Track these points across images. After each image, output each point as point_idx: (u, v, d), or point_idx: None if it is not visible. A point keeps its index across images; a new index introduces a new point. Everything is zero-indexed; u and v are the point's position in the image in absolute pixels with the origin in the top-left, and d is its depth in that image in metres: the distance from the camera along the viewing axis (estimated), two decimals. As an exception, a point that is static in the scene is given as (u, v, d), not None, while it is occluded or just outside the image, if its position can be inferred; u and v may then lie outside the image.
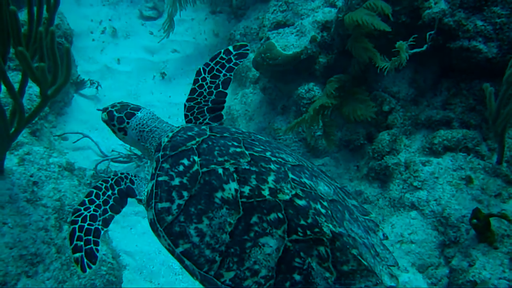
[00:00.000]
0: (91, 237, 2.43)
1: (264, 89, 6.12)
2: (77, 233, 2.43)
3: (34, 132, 5.72)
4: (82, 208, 2.52)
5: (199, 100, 3.03)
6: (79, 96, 7.33)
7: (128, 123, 2.87)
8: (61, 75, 3.34)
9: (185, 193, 2.36)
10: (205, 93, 3.03)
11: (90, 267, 2.37)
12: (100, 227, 2.49)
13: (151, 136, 2.81)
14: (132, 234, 5.77)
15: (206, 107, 3.02)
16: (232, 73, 3.12)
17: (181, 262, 2.33)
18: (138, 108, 2.94)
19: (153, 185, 2.45)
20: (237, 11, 7.91)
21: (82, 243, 2.40)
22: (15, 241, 4.01)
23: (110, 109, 2.95)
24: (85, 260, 2.38)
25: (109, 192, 2.60)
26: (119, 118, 2.89)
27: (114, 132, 2.96)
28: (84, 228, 2.44)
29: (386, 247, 2.52)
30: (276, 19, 6.04)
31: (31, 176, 4.62)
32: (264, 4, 7.37)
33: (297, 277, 2.19)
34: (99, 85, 7.44)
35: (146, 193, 2.50)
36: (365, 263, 2.24)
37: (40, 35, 3.32)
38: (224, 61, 3.14)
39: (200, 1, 8.85)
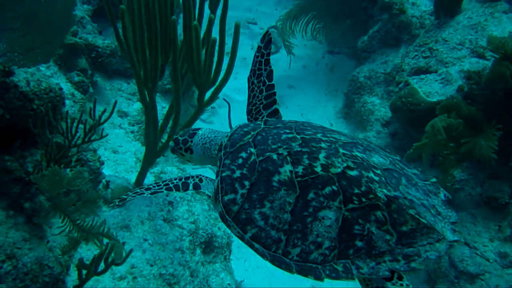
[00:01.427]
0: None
1: (395, 134, 5.94)
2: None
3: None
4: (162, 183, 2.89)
5: (254, 101, 3.16)
6: (199, 120, 7.40)
7: (191, 141, 3.07)
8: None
9: (246, 183, 2.49)
10: (257, 94, 3.16)
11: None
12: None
13: (213, 144, 2.99)
14: (246, 266, 5.63)
15: (261, 105, 3.14)
16: (269, 65, 3.20)
17: (251, 246, 2.43)
18: (198, 129, 3.13)
19: (218, 181, 2.60)
20: (361, 53, 7.81)
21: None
22: (155, 259, 3.98)
23: (175, 137, 3.20)
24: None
25: (175, 181, 2.87)
26: (183, 141, 3.11)
27: (182, 156, 3.17)
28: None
29: (448, 207, 2.52)
30: (417, 64, 5.88)
31: (167, 196, 4.62)
32: (393, 50, 7.28)
33: (359, 243, 2.28)
34: (216, 111, 7.54)
35: (213, 190, 2.65)
36: (423, 221, 2.29)
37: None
38: (259, 59, 3.21)
39: (318, 41, 8.90)
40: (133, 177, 4.77)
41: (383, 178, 2.38)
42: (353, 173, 2.37)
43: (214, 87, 3.90)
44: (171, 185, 2.85)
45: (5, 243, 3.28)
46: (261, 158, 2.51)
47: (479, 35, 5.73)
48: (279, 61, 8.70)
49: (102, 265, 2.98)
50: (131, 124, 5.63)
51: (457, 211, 4.98)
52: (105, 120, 3.48)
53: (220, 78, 3.84)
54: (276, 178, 2.43)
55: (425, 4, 7.26)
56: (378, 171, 2.41)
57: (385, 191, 2.32)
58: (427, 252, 2.29)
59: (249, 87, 3.22)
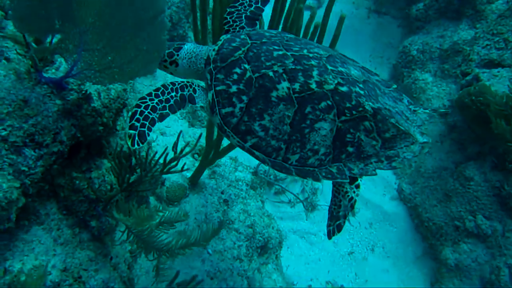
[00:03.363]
0: (147, 122, 2.65)
1: (454, 127, 5.61)
2: (137, 116, 2.65)
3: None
4: (148, 98, 2.74)
5: (239, 8, 3.25)
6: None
7: (178, 55, 3.05)
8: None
9: (244, 97, 2.67)
10: (245, 4, 3.27)
11: (138, 144, 2.61)
12: (156, 118, 2.70)
13: (199, 58, 3.00)
14: (288, 253, 5.51)
15: (244, 14, 3.24)
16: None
17: (252, 154, 2.72)
18: (183, 43, 3.11)
19: (213, 94, 2.74)
20: (415, 22, 7.27)
21: (138, 124, 2.63)
22: (215, 271, 3.82)
23: None
24: (136, 138, 2.61)
25: (173, 93, 2.80)
26: (169, 54, 3.06)
27: (166, 68, 3.11)
28: (144, 114, 2.67)
29: (412, 110, 2.88)
30: (489, 56, 5.44)
31: (222, 193, 4.41)
32: (452, 23, 6.76)
33: (350, 149, 2.67)
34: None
35: (208, 102, 2.78)
36: (402, 128, 2.65)
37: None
38: None
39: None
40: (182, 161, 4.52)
41: (366, 92, 2.68)
42: (344, 88, 2.63)
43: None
44: (172, 102, 2.79)
45: (72, 265, 3.14)
46: (257, 74, 2.67)
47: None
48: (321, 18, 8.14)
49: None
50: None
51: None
52: (187, 153, 3.29)
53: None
54: (274, 94, 2.63)
55: (492, -25, 6.66)
56: (361, 85, 2.69)
57: (370, 103, 2.63)
58: (404, 153, 2.69)
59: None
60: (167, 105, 2.76)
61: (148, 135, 2.69)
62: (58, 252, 3.06)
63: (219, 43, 2.89)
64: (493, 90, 4.85)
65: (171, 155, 3.33)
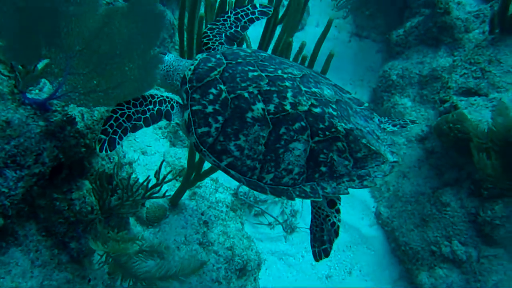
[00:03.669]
0: (119, 130, 2.64)
1: (432, 153, 5.72)
2: (111, 121, 2.64)
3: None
4: (125, 105, 2.72)
5: (220, 26, 3.33)
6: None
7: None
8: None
9: (220, 118, 2.72)
10: (227, 25, 3.35)
11: (106, 151, 2.60)
12: (129, 128, 2.69)
13: (176, 74, 3.03)
14: (266, 275, 5.51)
15: (224, 33, 3.31)
16: (252, 24, 3.44)
17: (227, 173, 2.77)
18: (164, 53, 3.11)
19: (189, 114, 2.78)
20: (395, 47, 7.40)
21: (111, 130, 2.62)
22: (193, 294, 3.80)
23: None
24: (106, 144, 2.59)
25: (151, 106, 2.80)
26: None
27: None
28: (118, 121, 2.66)
29: (383, 130, 2.99)
30: (466, 84, 5.55)
31: (202, 214, 4.41)
32: (431, 50, 6.89)
33: (323, 168, 2.74)
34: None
35: (184, 121, 2.81)
36: (373, 148, 2.76)
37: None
38: (249, 12, 3.43)
39: (342, 20, 8.50)
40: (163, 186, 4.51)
41: (339, 112, 2.75)
42: (317, 110, 2.70)
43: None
44: (148, 115, 2.78)
45: (49, 287, 3.09)
46: (232, 95, 2.72)
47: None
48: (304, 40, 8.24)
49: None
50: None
51: (495, 247, 4.91)
52: (169, 180, 3.33)
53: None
54: (249, 114, 2.69)
55: (470, 4, 6.81)
56: (334, 105, 2.76)
57: (343, 124, 2.71)
58: (375, 172, 2.79)
59: (222, 15, 3.40)
60: (142, 116, 2.77)
61: (118, 143, 2.70)
62: (36, 274, 3.03)
63: (195, 62, 2.93)
64: (470, 118, 4.96)
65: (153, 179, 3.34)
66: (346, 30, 8.67)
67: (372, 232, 6.21)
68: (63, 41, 2.48)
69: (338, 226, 3.06)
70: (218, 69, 2.83)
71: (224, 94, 2.74)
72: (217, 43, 3.23)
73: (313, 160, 2.73)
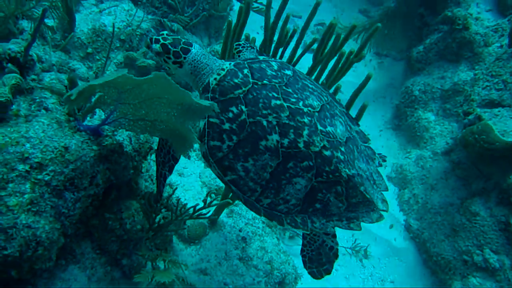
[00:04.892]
0: (162, 179, 3.15)
1: (458, 164, 5.84)
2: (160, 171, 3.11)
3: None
4: (158, 156, 3.10)
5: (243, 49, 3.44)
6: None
7: (185, 58, 3.07)
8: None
9: (234, 137, 2.80)
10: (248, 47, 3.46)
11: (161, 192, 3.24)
12: (166, 172, 3.12)
13: (202, 72, 3.05)
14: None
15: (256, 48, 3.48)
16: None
17: (228, 186, 2.91)
18: (190, 44, 3.10)
19: (205, 124, 2.87)
20: (415, 63, 7.58)
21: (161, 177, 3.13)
22: (237, 309, 3.96)
23: (163, 42, 3.07)
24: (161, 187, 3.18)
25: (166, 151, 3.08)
26: (176, 53, 3.06)
27: (165, 62, 3.11)
28: (159, 172, 3.13)
29: (380, 174, 3.15)
30: (489, 96, 5.72)
31: (240, 231, 4.58)
32: (451, 65, 7.06)
33: (318, 205, 2.90)
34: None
35: (199, 129, 2.89)
36: (368, 196, 2.92)
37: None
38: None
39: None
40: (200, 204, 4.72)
41: (346, 156, 2.88)
42: (327, 153, 2.81)
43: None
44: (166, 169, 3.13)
45: (104, 303, 3.28)
46: (251, 119, 2.78)
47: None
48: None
49: None
50: (195, 141, 5.54)
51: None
52: (214, 205, 3.55)
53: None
54: (263, 143, 2.77)
55: (488, 19, 7.01)
56: (343, 148, 2.88)
57: (347, 170, 2.84)
58: (363, 218, 2.97)
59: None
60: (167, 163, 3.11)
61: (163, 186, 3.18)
62: (93, 290, 3.23)
63: (222, 73, 2.95)
64: (494, 128, 5.09)
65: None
66: (366, 49, 8.87)
67: (403, 244, 6.31)
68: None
69: (337, 249, 3.23)
70: (243, 88, 2.86)
71: (243, 116, 2.80)
72: (248, 45, 3.39)
73: (311, 196, 2.87)
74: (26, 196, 2.63)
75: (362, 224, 3.01)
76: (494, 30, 6.77)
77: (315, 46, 4.13)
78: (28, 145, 2.71)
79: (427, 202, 6.22)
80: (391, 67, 8.50)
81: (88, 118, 3.17)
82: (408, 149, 7.03)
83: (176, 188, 3.89)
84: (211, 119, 2.86)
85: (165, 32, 3.16)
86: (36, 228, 2.65)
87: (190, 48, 3.08)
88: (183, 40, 3.12)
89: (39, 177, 2.70)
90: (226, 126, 2.82)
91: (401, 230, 6.48)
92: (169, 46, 3.06)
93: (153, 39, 3.09)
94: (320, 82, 4.09)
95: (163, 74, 2.40)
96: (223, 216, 4.63)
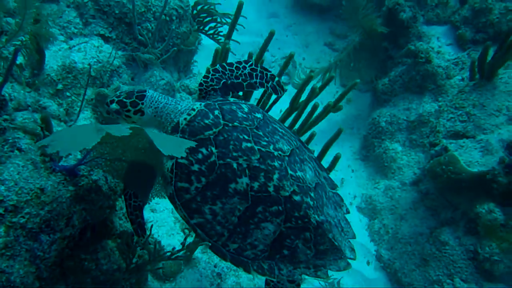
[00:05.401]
0: (138, 212, 3.03)
1: (427, 194, 5.97)
2: (130, 210, 3.02)
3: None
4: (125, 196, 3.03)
5: (226, 72, 3.23)
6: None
7: (142, 103, 3.06)
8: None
9: (203, 179, 2.75)
10: (234, 74, 3.23)
11: (143, 236, 3.06)
12: (140, 203, 3.02)
13: (166, 112, 3.02)
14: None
15: (223, 81, 3.22)
16: (257, 90, 3.34)
17: (194, 230, 2.85)
18: (144, 90, 3.12)
19: (173, 164, 2.80)
20: (381, 95, 7.78)
21: (133, 217, 3.01)
22: None
23: (117, 99, 3.09)
24: (139, 230, 3.03)
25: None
26: (133, 103, 3.06)
27: (128, 117, 3.10)
28: (134, 205, 3.02)
29: (347, 221, 3.17)
30: (454, 128, 5.90)
31: (215, 266, 4.56)
32: (416, 96, 7.28)
33: (285, 252, 2.86)
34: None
35: (166, 169, 2.83)
36: (336, 244, 2.91)
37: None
38: (264, 79, 3.31)
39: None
40: (173, 241, 4.69)
41: (315, 202, 2.87)
42: (297, 198, 2.78)
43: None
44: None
45: None
46: (221, 161, 2.74)
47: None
48: (292, 93, 8.60)
49: None
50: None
51: (495, 282, 5.10)
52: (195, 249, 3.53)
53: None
54: (233, 185, 2.73)
55: (448, 53, 7.29)
56: (312, 194, 2.87)
57: (316, 216, 2.82)
58: (330, 266, 2.94)
59: (232, 63, 3.27)
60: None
61: (145, 224, 3.06)
62: (68, 337, 3.14)
63: (192, 113, 2.90)
64: (460, 159, 5.25)
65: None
66: (332, 82, 9.04)
67: (374, 274, 6.36)
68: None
69: None
70: (214, 130, 2.82)
71: (213, 158, 2.75)
72: (210, 88, 3.17)
73: (279, 242, 2.83)
74: (0, 240, 2.58)
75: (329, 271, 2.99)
76: (455, 63, 7.04)
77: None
78: (2, 187, 2.67)
79: (397, 232, 6.32)
80: (358, 99, 8.68)
81: (63, 159, 3.14)
82: (376, 180, 7.15)
83: (152, 226, 3.83)
84: (179, 160, 2.79)
85: (117, 92, 3.21)
86: (10, 273, 2.60)
87: (144, 93, 3.09)
88: (136, 89, 3.14)
89: (14, 220, 2.66)
90: (195, 167, 2.77)
91: (372, 260, 6.54)
92: (124, 100, 3.07)
93: (109, 102, 3.10)
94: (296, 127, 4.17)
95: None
96: (197, 252, 4.60)
